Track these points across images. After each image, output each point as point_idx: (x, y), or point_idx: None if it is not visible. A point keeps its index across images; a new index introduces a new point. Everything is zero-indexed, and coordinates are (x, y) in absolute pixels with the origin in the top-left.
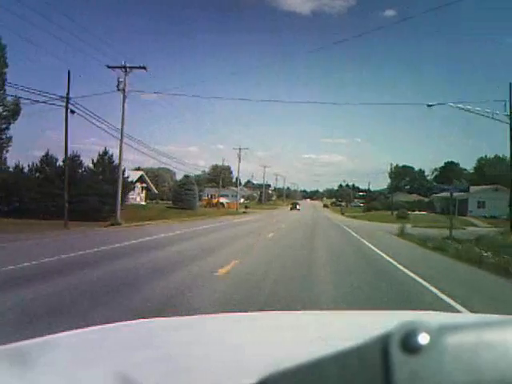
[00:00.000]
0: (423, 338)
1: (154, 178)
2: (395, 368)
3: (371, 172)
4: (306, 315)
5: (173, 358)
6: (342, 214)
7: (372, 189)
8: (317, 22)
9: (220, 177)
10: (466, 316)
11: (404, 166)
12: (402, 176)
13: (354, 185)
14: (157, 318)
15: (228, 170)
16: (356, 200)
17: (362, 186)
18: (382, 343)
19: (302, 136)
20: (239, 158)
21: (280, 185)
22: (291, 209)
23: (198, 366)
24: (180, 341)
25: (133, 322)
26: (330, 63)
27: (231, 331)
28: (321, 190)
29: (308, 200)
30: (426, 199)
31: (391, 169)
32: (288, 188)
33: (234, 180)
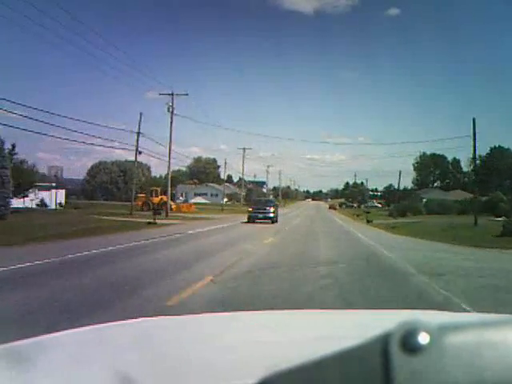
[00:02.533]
0: (423, 338)
1: (121, 172)
2: (395, 368)
3: (375, 171)
4: (305, 315)
5: (171, 358)
6: (368, 221)
7: (379, 188)
8: (319, 21)
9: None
10: (466, 315)
11: (433, 155)
12: (432, 168)
13: (362, 183)
14: (155, 317)
15: (213, 164)
16: (371, 200)
17: (368, 186)
18: (382, 343)
19: (305, 136)
20: (171, 115)
21: (282, 183)
22: (249, 219)
23: (197, 365)
24: (179, 340)
25: (131, 321)
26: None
27: (230, 330)
28: (324, 191)
29: (309, 200)
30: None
31: (418, 158)
32: (288, 187)
33: (223, 176)
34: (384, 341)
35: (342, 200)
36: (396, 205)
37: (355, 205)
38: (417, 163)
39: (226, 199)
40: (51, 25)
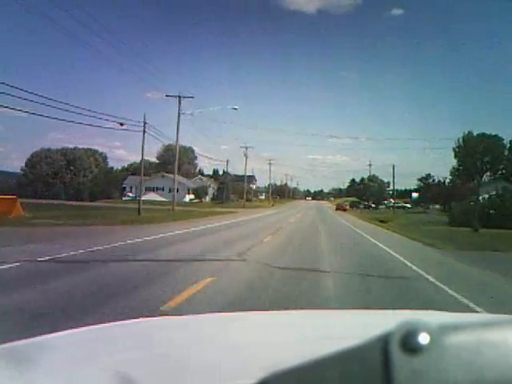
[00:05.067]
0: (423, 338)
1: (66, 162)
2: (395, 368)
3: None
4: (305, 315)
5: (171, 358)
6: None
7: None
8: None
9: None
10: (466, 315)
11: (483, 136)
12: (480, 153)
13: (374, 175)
14: (155, 318)
15: (189, 153)
16: (386, 200)
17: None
18: (383, 343)
19: (307, 136)
20: None
21: (279, 180)
22: None
23: (196, 365)
24: (179, 340)
25: (131, 321)
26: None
27: (230, 331)
28: (326, 190)
29: (309, 199)
30: None
31: (460, 141)
32: (286, 184)
33: (207, 172)
34: (384, 341)
35: (353, 199)
36: (457, 204)
37: (372, 205)
38: (458, 147)
39: (190, 196)
40: None
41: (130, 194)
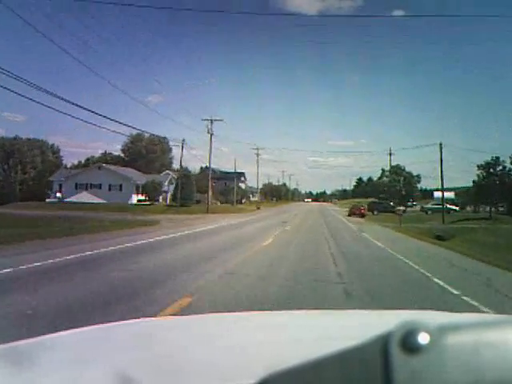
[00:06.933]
0: (423, 338)
1: (7, 155)
2: (395, 368)
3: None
4: (305, 315)
5: (172, 358)
6: None
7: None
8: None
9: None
10: (466, 316)
11: None
12: None
13: (399, 166)
14: (156, 318)
15: (162, 144)
16: (409, 202)
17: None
18: (382, 343)
19: (308, 138)
20: None
21: (275, 180)
22: None
23: (197, 365)
24: (179, 340)
25: (132, 321)
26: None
27: (230, 331)
28: (329, 192)
29: (309, 200)
30: None
31: None
32: (284, 184)
33: (178, 164)
34: (384, 341)
35: (372, 199)
36: None
37: (401, 207)
38: None
39: (135, 196)
40: None
41: (58, 195)
